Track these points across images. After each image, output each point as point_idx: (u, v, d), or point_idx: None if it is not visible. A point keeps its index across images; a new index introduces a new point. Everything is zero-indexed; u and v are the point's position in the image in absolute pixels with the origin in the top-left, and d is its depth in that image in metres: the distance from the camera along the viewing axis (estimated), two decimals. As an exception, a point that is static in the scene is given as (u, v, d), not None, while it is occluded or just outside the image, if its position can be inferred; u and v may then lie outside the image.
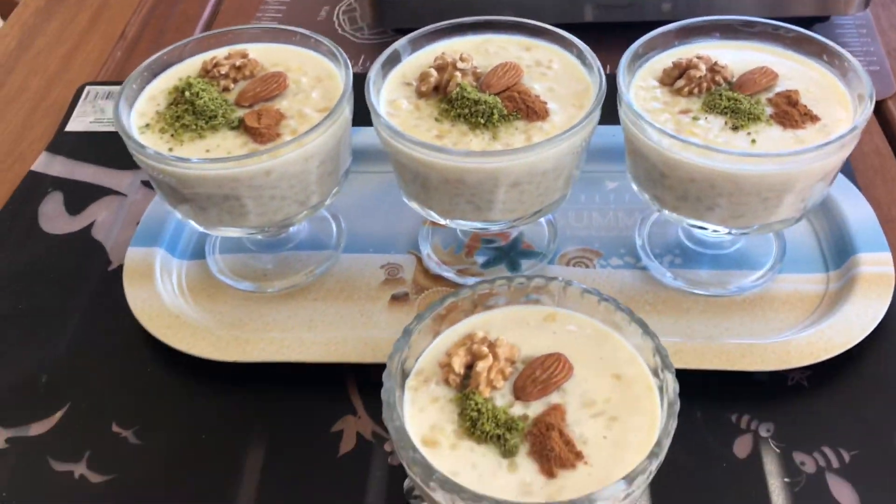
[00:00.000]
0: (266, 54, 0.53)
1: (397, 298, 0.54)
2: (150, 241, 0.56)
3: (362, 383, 0.49)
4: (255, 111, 0.48)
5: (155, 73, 0.52)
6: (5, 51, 0.78)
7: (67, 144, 0.67)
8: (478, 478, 0.37)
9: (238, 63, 0.51)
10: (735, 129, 0.46)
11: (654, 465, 0.36)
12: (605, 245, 0.56)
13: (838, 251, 0.54)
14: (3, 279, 0.57)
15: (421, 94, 0.49)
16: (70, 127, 0.69)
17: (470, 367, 0.40)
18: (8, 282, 0.57)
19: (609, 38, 0.61)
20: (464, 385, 0.40)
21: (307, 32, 0.53)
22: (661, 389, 0.40)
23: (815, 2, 0.71)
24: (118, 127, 0.47)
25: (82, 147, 0.67)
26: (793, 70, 0.50)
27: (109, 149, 0.66)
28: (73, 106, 0.70)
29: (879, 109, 0.67)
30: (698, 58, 0.50)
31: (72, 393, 0.50)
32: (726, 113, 0.47)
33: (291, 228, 0.57)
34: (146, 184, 0.63)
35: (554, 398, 0.40)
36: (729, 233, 0.49)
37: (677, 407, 0.38)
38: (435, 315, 0.42)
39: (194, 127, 0.48)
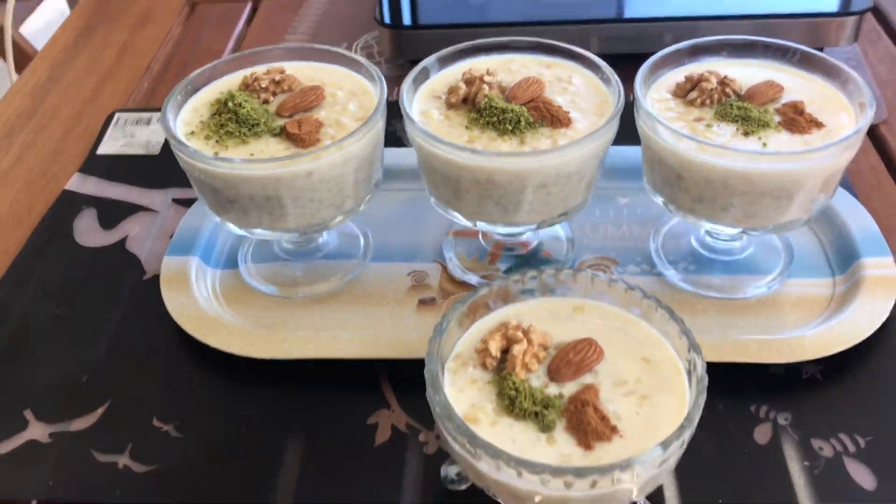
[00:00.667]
0: (302, 71, 0.56)
1: (425, 303, 0.56)
2: (185, 251, 0.59)
3: (394, 379, 0.51)
4: (295, 120, 0.51)
5: (197, 87, 0.55)
6: (37, 83, 0.81)
7: (99, 166, 0.70)
8: (518, 451, 0.39)
9: (277, 78, 0.54)
10: (746, 134, 0.50)
11: (687, 435, 0.38)
12: (622, 254, 0.59)
13: (843, 257, 0.57)
14: (43, 289, 0.59)
15: (451, 106, 0.53)
16: (101, 150, 0.71)
17: (505, 351, 0.43)
18: (47, 291, 0.59)
19: (614, 68, 0.64)
20: (500, 369, 0.42)
21: (341, 51, 0.56)
22: (688, 370, 0.42)
23: (807, 35, 0.75)
24: (166, 131, 0.50)
25: (113, 168, 0.69)
26: (797, 84, 0.54)
27: (140, 169, 0.69)
28: (104, 131, 0.73)
29: (873, 133, 0.71)
30: (709, 72, 0.53)
31: (112, 391, 0.52)
32: (737, 121, 0.50)
33: (321, 239, 0.60)
34: (177, 201, 0.66)
35: (587, 379, 0.42)
36: (742, 232, 0.52)
37: (706, 382, 0.40)
38: (471, 303, 0.44)
39: (238, 134, 0.50)
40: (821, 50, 0.77)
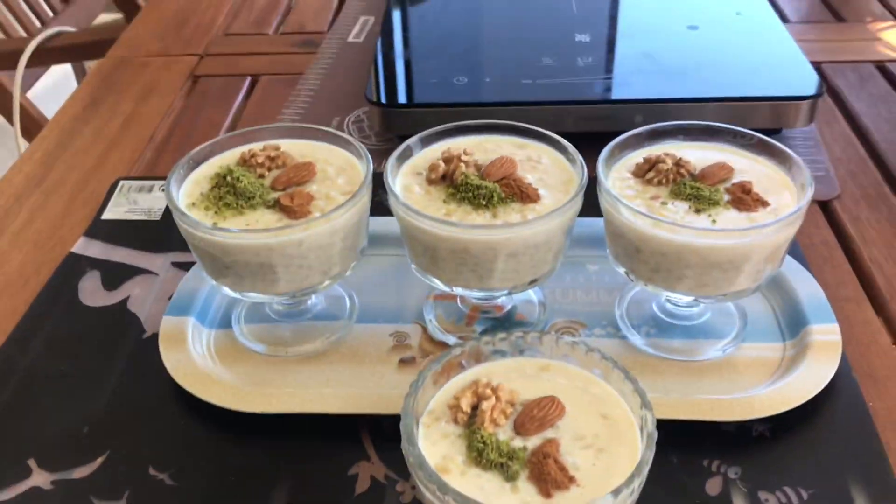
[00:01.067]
0: (295, 148, 0.61)
1: (405, 362, 0.60)
2: (183, 311, 0.63)
3: (374, 433, 0.55)
4: (288, 193, 0.56)
5: (198, 162, 0.60)
6: (46, 150, 0.87)
7: (104, 230, 0.74)
8: (485, 498, 0.43)
9: (272, 154, 0.59)
10: (698, 211, 0.55)
11: (636, 484, 0.43)
12: (589, 318, 0.63)
13: (793, 324, 0.61)
14: (48, 345, 0.63)
15: (430, 182, 0.58)
16: (106, 216, 0.76)
17: (475, 407, 0.47)
18: (52, 347, 0.63)
19: (587, 144, 0.69)
20: (470, 423, 0.46)
21: (332, 130, 0.61)
22: (640, 426, 0.46)
23: (768, 117, 0.81)
24: (170, 202, 0.55)
25: (117, 233, 0.74)
26: (746, 165, 0.59)
27: (142, 235, 0.74)
28: (109, 198, 0.78)
29: (826, 208, 0.76)
30: (666, 154, 0.59)
31: (111, 442, 0.55)
32: (690, 199, 0.56)
33: (309, 302, 0.64)
34: (176, 265, 0.70)
35: (549, 433, 0.46)
36: (695, 300, 0.56)
37: (655, 437, 0.44)
38: (445, 363, 0.49)
39: (235, 205, 0.55)
40: (779, 131, 0.84)
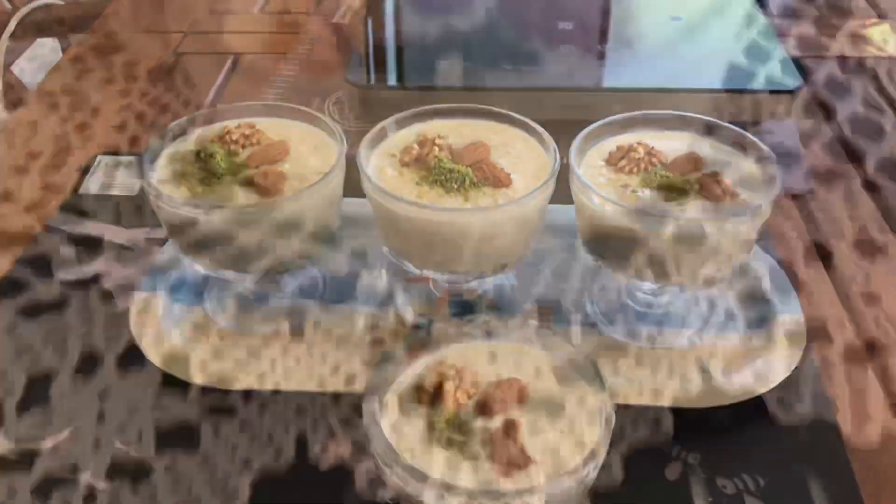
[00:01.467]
0: (271, 126, 0.61)
1: (375, 342, 0.61)
2: (156, 287, 0.63)
3: (342, 411, 0.56)
4: (261, 171, 0.56)
5: (173, 137, 0.60)
6: (26, 125, 0.86)
7: (81, 204, 0.74)
8: (445, 476, 0.44)
9: (247, 132, 0.59)
10: (666, 200, 0.55)
11: (591, 466, 0.43)
12: (559, 303, 0.64)
13: (760, 314, 0.62)
14: (20, 317, 0.63)
15: (404, 164, 0.58)
16: (83, 190, 0.76)
17: (439, 387, 0.48)
18: (24, 322, 0.63)
19: (567, 132, 0.69)
20: (433, 403, 0.47)
21: (307, 110, 0.61)
22: (601, 410, 0.47)
23: (747, 110, 0.82)
24: (143, 178, 0.55)
25: (94, 207, 0.74)
26: (718, 156, 0.59)
27: (118, 209, 0.74)
28: (87, 172, 0.78)
29: (800, 202, 0.76)
30: (638, 143, 0.59)
31: (79, 414, 0.56)
32: (660, 188, 0.56)
33: (282, 281, 0.65)
34: (151, 240, 0.70)
35: (511, 414, 0.47)
36: (663, 288, 0.57)
37: (613, 421, 0.45)
38: (412, 343, 0.49)
39: (208, 182, 0.56)
40: (758, 124, 0.84)
